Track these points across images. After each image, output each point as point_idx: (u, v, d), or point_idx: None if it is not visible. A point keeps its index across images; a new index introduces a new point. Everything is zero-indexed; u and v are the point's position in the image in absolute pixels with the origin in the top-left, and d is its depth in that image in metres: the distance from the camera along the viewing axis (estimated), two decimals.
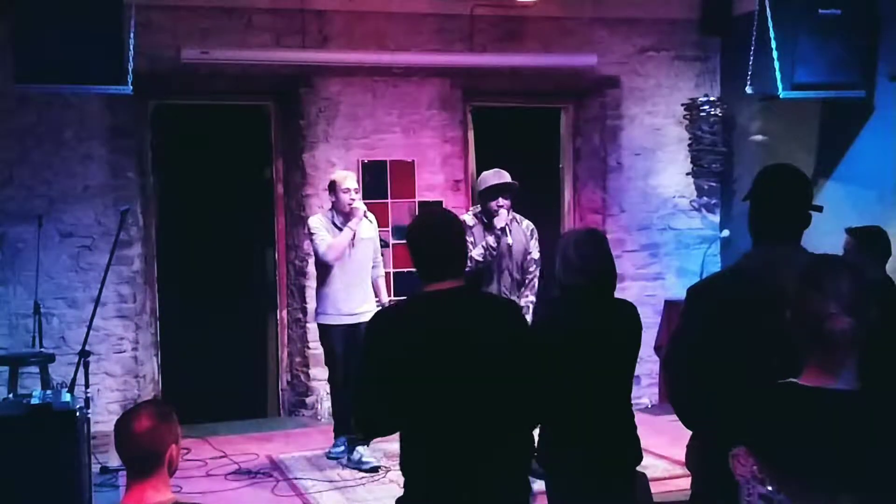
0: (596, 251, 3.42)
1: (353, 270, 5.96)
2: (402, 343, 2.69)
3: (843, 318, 2.00)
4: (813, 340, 2.03)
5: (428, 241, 2.81)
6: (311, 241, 5.96)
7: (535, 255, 5.73)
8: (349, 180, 5.96)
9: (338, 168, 7.12)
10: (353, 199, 5.89)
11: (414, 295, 2.94)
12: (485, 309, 2.85)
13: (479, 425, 2.66)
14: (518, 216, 5.77)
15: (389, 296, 6.51)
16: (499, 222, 5.54)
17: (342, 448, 6.04)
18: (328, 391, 7.16)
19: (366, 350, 2.75)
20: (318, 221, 5.96)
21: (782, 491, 1.91)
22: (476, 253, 5.53)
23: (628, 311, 3.48)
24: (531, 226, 5.79)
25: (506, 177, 5.60)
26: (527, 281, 5.73)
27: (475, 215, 5.68)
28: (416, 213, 6.87)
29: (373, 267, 6.13)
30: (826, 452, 1.92)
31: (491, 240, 5.54)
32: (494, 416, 2.68)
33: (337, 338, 5.94)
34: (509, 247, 5.63)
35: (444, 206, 7.37)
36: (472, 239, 5.51)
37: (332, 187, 5.98)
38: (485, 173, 5.73)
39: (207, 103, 7.27)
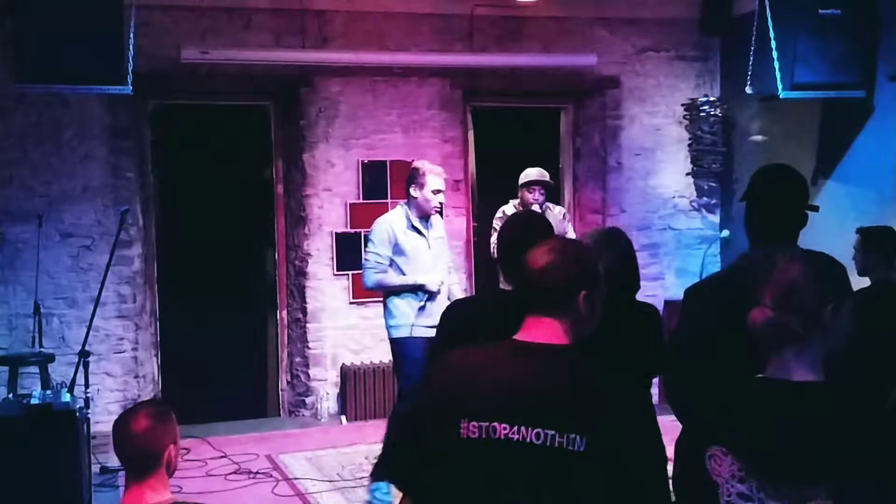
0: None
1: (441, 271, 5.23)
2: (468, 336, 2.71)
3: (764, 310, 2.01)
4: (752, 334, 2.05)
5: (511, 240, 2.82)
6: (364, 252, 5.22)
7: (571, 235, 6.33)
8: (441, 179, 5.19)
9: (338, 168, 7.14)
10: (441, 203, 5.24)
11: (490, 291, 3.07)
12: None
13: None
14: (550, 203, 6.47)
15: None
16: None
17: (387, 491, 5.13)
18: (328, 391, 7.18)
19: (437, 336, 2.89)
20: (383, 231, 5.12)
21: (761, 489, 1.90)
22: None
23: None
24: (563, 210, 6.54)
25: (546, 176, 6.42)
26: None
27: (514, 206, 6.42)
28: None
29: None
30: (788, 445, 1.91)
31: None
32: None
33: (418, 354, 5.01)
34: None
35: (443, 206, 7.37)
36: None
37: (419, 181, 5.15)
38: (528, 170, 6.44)
39: (207, 103, 7.26)
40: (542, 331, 2.08)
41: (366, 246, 5.24)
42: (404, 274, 5.18)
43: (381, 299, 5.41)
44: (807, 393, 1.97)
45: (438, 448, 2.02)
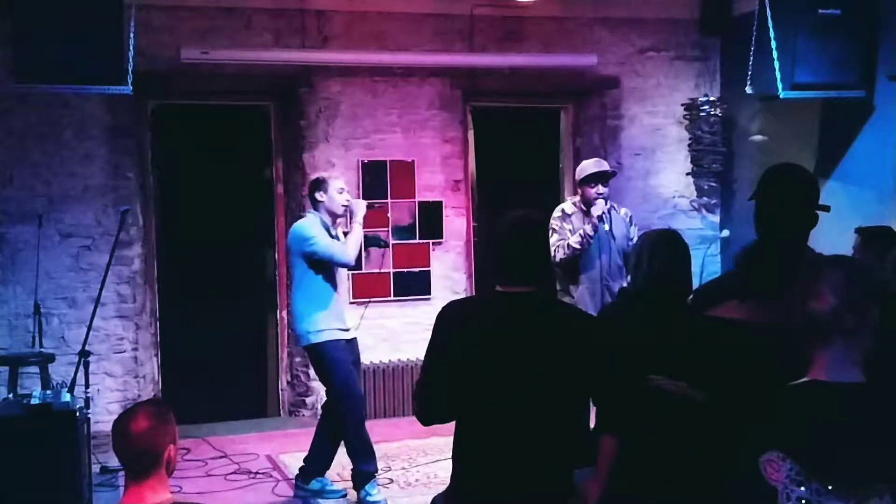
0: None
1: (341, 281, 5.47)
2: (462, 338, 2.70)
3: (827, 298, 2.03)
4: (807, 327, 2.06)
5: (505, 242, 2.78)
6: (314, 249, 5.17)
7: (635, 238, 5.70)
8: (342, 181, 5.46)
9: (338, 168, 7.13)
10: (348, 200, 5.40)
11: (485, 293, 3.03)
12: (550, 317, 2.78)
13: (528, 426, 2.66)
14: (615, 204, 5.87)
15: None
16: (596, 210, 5.59)
17: (383, 496, 5.34)
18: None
19: (431, 340, 2.77)
20: (314, 226, 5.25)
21: (821, 491, 1.91)
22: (573, 241, 5.55)
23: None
24: (629, 212, 5.94)
25: (604, 165, 5.80)
26: None
27: (574, 203, 5.77)
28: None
29: None
30: (846, 446, 1.94)
31: (588, 228, 5.54)
32: (545, 420, 2.67)
33: (344, 353, 5.26)
34: (611, 233, 5.63)
35: (443, 206, 7.39)
36: (570, 226, 5.64)
37: (323, 187, 5.33)
38: (584, 162, 5.86)
39: (207, 103, 7.26)
40: None
41: (312, 248, 5.18)
42: (328, 283, 5.25)
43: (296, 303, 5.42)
44: (859, 393, 2.01)
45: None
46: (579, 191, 5.76)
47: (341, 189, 5.34)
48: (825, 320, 2.03)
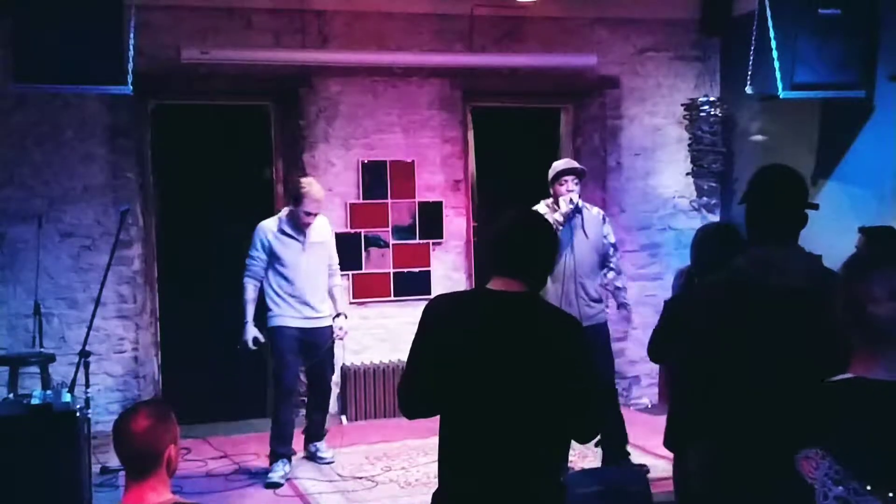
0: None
1: (305, 276, 5.78)
2: (445, 333, 2.69)
3: (887, 303, 1.99)
4: (857, 328, 2.02)
5: (495, 240, 2.77)
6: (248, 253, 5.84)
7: (612, 238, 5.85)
8: (316, 203, 5.73)
9: (338, 168, 7.14)
10: (310, 223, 5.76)
11: (474, 289, 3.03)
12: (535, 318, 2.73)
13: (509, 427, 2.63)
14: (588, 204, 5.85)
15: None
16: (563, 204, 5.54)
17: (282, 473, 5.71)
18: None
19: (417, 332, 2.76)
20: (257, 238, 5.80)
21: (859, 492, 1.89)
22: None
23: None
24: (601, 212, 5.94)
25: (574, 164, 5.82)
26: (611, 264, 5.81)
27: (547, 205, 5.71)
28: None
29: (329, 275, 5.97)
30: (890, 446, 1.91)
31: (558, 215, 5.48)
32: (525, 422, 2.64)
33: (288, 341, 5.77)
34: (583, 232, 5.62)
35: (443, 206, 7.39)
36: None
37: (299, 200, 5.72)
38: (555, 163, 5.84)
39: (207, 103, 7.26)
40: None
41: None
42: (285, 277, 5.77)
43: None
44: None
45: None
46: (552, 191, 5.70)
47: (308, 213, 5.70)
48: (888, 325, 1.99)
